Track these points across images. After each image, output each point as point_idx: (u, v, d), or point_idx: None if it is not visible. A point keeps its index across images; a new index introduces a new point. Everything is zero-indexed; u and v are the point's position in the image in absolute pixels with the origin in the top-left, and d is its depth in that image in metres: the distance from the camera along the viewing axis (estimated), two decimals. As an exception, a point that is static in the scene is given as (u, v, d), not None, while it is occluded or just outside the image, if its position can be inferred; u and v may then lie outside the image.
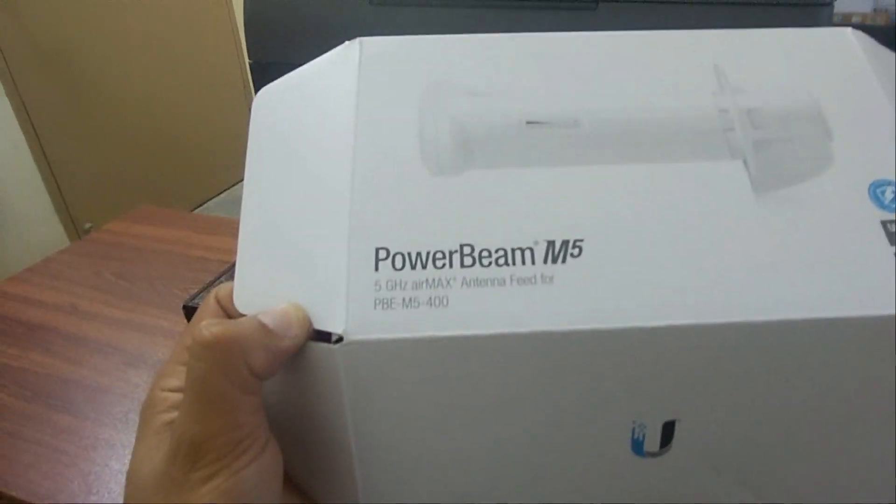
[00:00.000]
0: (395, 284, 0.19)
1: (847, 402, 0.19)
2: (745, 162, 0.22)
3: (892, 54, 0.25)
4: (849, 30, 0.25)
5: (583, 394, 0.19)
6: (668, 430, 0.20)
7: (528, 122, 0.23)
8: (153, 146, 1.79)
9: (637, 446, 0.20)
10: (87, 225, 1.59)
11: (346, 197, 0.20)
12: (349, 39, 0.50)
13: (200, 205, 1.85)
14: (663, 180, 0.21)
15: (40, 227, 1.44)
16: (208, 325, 0.16)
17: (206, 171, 1.81)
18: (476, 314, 0.18)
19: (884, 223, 0.20)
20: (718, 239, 0.20)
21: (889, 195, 0.21)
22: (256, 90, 0.50)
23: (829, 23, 0.39)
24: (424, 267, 0.19)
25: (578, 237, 0.20)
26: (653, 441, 0.20)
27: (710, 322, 0.18)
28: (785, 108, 0.23)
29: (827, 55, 0.25)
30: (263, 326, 0.17)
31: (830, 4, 0.38)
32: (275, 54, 0.51)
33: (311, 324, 0.18)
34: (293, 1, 0.48)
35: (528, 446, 0.20)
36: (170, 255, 0.70)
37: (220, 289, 0.20)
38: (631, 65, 0.25)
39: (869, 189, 0.21)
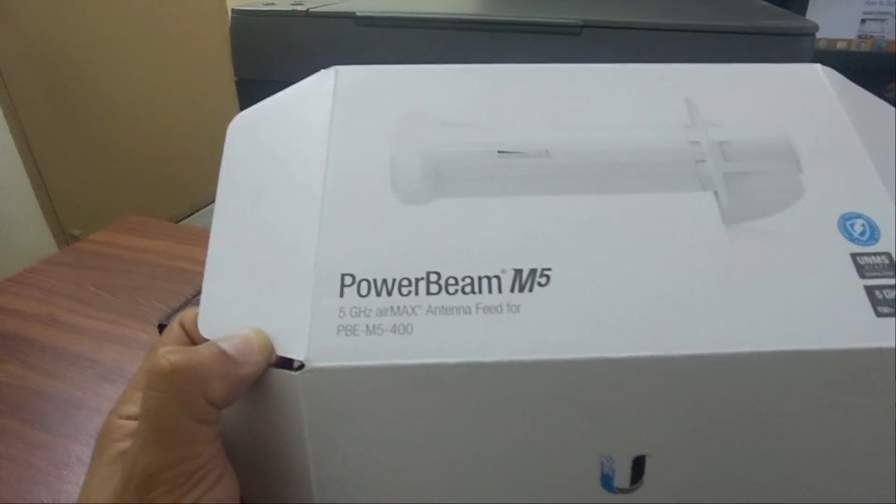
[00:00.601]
0: (360, 311, 0.18)
1: (821, 435, 0.19)
2: (715, 194, 0.22)
3: (861, 91, 0.25)
4: (818, 66, 0.26)
5: (549, 425, 0.19)
6: (639, 466, 0.19)
7: (500, 153, 0.23)
8: (144, 154, 1.79)
9: (607, 482, 0.19)
10: (76, 232, 1.58)
11: (315, 224, 0.20)
12: (335, 59, 0.50)
13: (190, 214, 1.85)
14: (633, 211, 0.21)
15: (28, 233, 1.43)
16: (166, 353, 0.16)
17: (196, 180, 1.80)
18: (440, 343, 0.18)
19: (853, 255, 0.20)
20: (688, 270, 0.20)
21: (858, 228, 0.21)
22: (242, 107, 0.50)
23: (811, 52, 0.40)
24: (390, 294, 0.19)
25: (546, 266, 0.19)
26: (623, 476, 0.19)
27: (676, 354, 0.18)
28: (756, 142, 0.23)
29: (797, 90, 0.25)
30: (223, 353, 0.17)
31: (812, 35, 0.39)
32: (261, 72, 0.51)
33: (273, 350, 0.18)
34: (279, 20, 0.49)
35: (494, 480, 0.19)
36: (153, 266, 0.69)
37: (186, 314, 0.20)
38: (603, 97, 0.24)
39: (839, 222, 0.21)
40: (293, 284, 0.19)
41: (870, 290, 0.19)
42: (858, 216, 0.21)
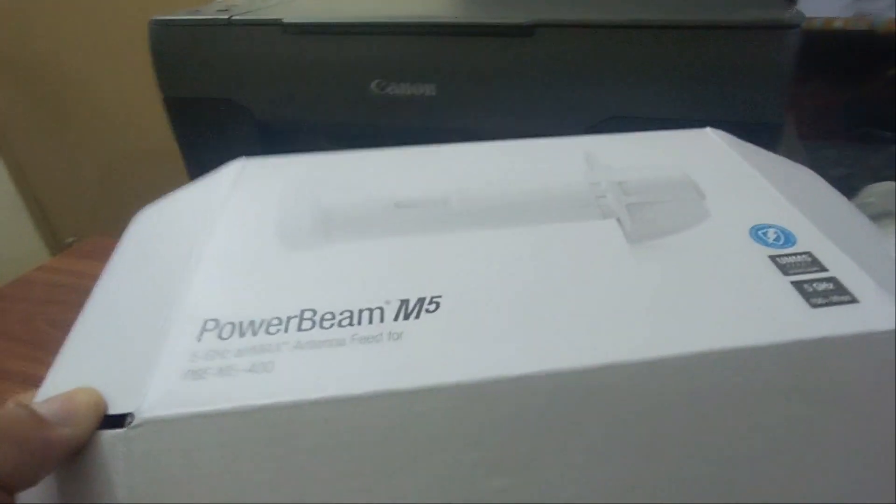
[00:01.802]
0: (215, 354, 0.16)
1: (779, 465, 0.16)
2: (618, 220, 0.20)
3: (753, 147, 0.25)
4: (708, 129, 0.27)
5: (448, 486, 0.15)
6: None
7: (397, 205, 0.22)
8: (135, 157, 1.75)
9: None
10: (70, 239, 1.57)
11: (189, 279, 0.18)
12: (263, 70, 0.45)
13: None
14: (531, 240, 0.20)
15: (19, 242, 1.41)
16: None
17: (186, 181, 1.78)
18: (304, 378, 0.15)
19: (772, 258, 0.19)
20: (593, 287, 0.18)
21: (772, 235, 0.20)
22: (173, 126, 0.44)
23: (796, 47, 0.34)
24: (255, 334, 0.16)
25: (436, 294, 0.17)
26: None
27: (592, 364, 0.15)
28: (655, 179, 0.23)
29: (691, 144, 0.26)
30: (30, 414, 0.14)
31: (797, 27, 0.33)
32: (188, 89, 0.46)
33: (104, 409, 0.15)
34: (201, 30, 0.43)
35: None
36: None
37: (25, 395, 0.17)
38: (503, 160, 0.25)
39: (750, 232, 0.20)
40: (150, 337, 0.17)
41: (797, 285, 0.18)
42: (770, 226, 0.20)
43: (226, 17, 0.42)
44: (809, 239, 0.19)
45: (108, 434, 0.14)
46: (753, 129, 0.36)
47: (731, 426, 0.16)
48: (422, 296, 0.17)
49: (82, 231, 1.56)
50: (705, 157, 0.25)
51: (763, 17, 0.34)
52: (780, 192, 0.22)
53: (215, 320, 0.17)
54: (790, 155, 0.38)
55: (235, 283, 0.18)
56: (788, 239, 0.20)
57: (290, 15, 0.41)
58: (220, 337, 0.16)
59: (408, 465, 0.15)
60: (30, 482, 0.14)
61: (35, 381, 0.49)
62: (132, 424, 0.14)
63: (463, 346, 0.16)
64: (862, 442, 0.16)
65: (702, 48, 0.34)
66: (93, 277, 0.62)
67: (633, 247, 0.19)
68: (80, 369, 0.17)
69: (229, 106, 0.45)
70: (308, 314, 0.17)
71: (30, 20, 1.46)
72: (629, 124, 0.37)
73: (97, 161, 1.64)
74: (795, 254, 0.19)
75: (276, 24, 0.41)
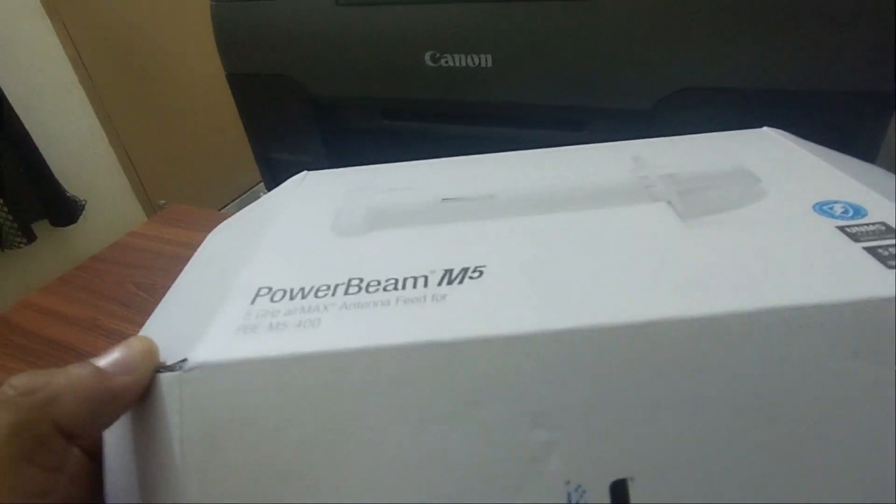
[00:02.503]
0: (266, 313, 0.17)
1: (840, 421, 0.14)
2: (668, 202, 0.20)
3: (820, 147, 0.23)
4: (766, 128, 0.25)
5: (486, 433, 0.14)
6: (620, 494, 0.14)
7: (444, 199, 0.22)
8: (220, 123, 1.84)
9: None
10: (161, 202, 1.67)
11: (249, 258, 0.20)
12: (317, 45, 0.45)
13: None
14: (578, 222, 0.19)
15: (119, 205, 1.53)
16: (14, 378, 0.14)
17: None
18: (348, 332, 0.15)
19: (840, 228, 0.17)
20: (642, 254, 0.17)
21: (839, 209, 0.18)
22: (237, 102, 0.45)
23: (890, 115, 0.29)
24: (304, 297, 0.17)
25: (480, 264, 0.17)
26: None
27: (642, 319, 0.14)
28: (707, 170, 0.22)
29: (747, 141, 0.24)
30: (94, 370, 0.15)
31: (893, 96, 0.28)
32: (249, 65, 0.46)
33: (157, 354, 0.16)
34: (258, 10, 0.43)
35: None
36: None
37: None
38: (549, 163, 0.24)
39: (814, 207, 0.18)
40: (211, 303, 0.18)
41: (871, 250, 0.16)
42: (836, 202, 0.18)
43: (280, -10, 0.42)
44: (883, 210, 0.18)
45: (165, 377, 0.15)
46: (858, 99, 0.31)
47: (794, 387, 0.14)
48: (466, 266, 0.17)
49: (172, 195, 1.66)
50: (762, 150, 0.23)
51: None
52: (845, 174, 0.20)
53: (269, 287, 0.18)
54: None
55: (289, 261, 0.19)
56: (858, 212, 0.18)
57: (342, -14, 0.40)
58: (272, 300, 0.17)
59: (449, 415, 0.15)
60: (100, 429, 0.15)
61: (122, 337, 0.52)
62: (185, 368, 0.15)
63: (507, 304, 0.15)
64: None
65: (795, 3, 0.30)
66: (175, 243, 0.66)
67: (685, 222, 0.18)
68: (154, 333, 0.18)
69: (285, 82, 0.45)
70: (355, 282, 0.17)
71: (132, 1, 1.54)
72: (703, 98, 0.33)
73: (186, 133, 1.73)
74: (867, 223, 0.17)
75: (329, -4, 0.40)
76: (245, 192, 1.90)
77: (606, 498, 0.14)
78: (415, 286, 0.17)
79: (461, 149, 0.46)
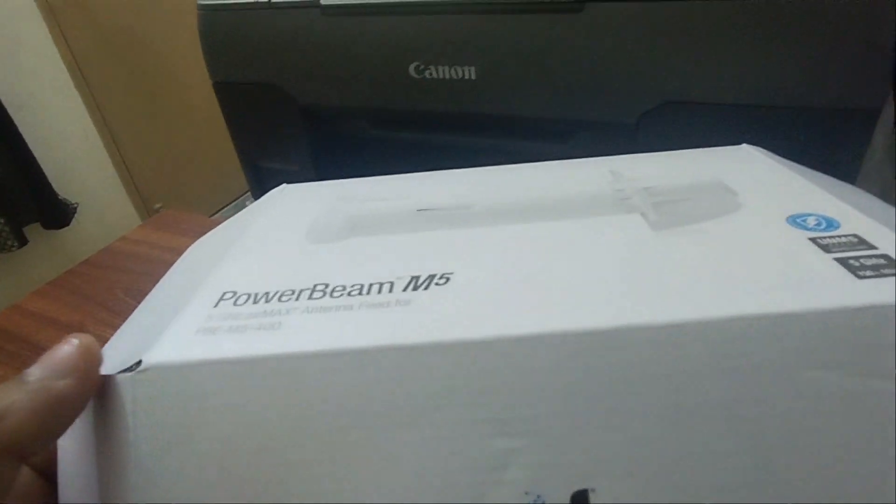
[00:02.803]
0: (228, 316, 0.16)
1: (817, 435, 0.14)
2: (642, 214, 0.20)
3: (797, 165, 0.23)
4: (745, 145, 0.25)
5: (445, 438, 0.14)
6: None
7: (419, 210, 0.22)
8: (216, 128, 1.83)
9: None
10: (157, 205, 1.67)
11: (218, 265, 0.19)
12: (303, 52, 0.44)
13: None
14: (551, 231, 0.19)
15: (114, 209, 1.53)
16: None
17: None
18: (308, 335, 0.15)
19: (812, 239, 0.17)
20: (611, 261, 0.17)
21: (811, 222, 0.18)
22: (223, 110, 0.44)
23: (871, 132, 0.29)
24: (268, 301, 0.17)
25: (448, 271, 0.17)
26: None
27: (607, 326, 0.14)
28: (683, 184, 0.22)
29: (724, 157, 0.24)
30: (33, 381, 0.14)
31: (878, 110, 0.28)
32: (235, 73, 0.46)
33: (96, 352, 0.15)
34: (243, 14, 0.43)
35: None
36: None
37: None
38: (527, 176, 0.24)
39: (787, 220, 0.18)
40: (176, 307, 0.17)
41: (842, 261, 0.16)
42: (809, 214, 0.18)
43: (266, -1, 0.42)
44: (855, 223, 0.18)
45: (119, 378, 0.15)
46: (839, 116, 0.31)
47: (760, 396, 0.14)
48: (433, 272, 0.17)
49: (166, 199, 1.65)
50: (739, 166, 0.23)
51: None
52: (820, 188, 0.20)
53: (233, 291, 0.18)
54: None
55: (257, 267, 0.19)
56: (831, 224, 0.18)
57: (328, -5, 0.40)
58: (235, 304, 0.17)
59: (409, 420, 0.15)
60: (51, 439, 0.15)
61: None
62: (139, 369, 0.15)
63: (471, 309, 0.15)
64: None
65: (779, 20, 0.30)
66: (166, 249, 0.66)
67: (657, 232, 0.18)
68: (121, 337, 0.18)
69: (272, 90, 0.45)
70: (320, 287, 0.17)
71: (128, 4, 1.54)
72: (687, 111, 0.33)
73: (181, 136, 1.73)
74: (839, 236, 0.17)
75: (314, 6, 0.40)
76: (239, 197, 1.90)
77: None
78: (380, 291, 0.17)
79: (447, 158, 0.46)
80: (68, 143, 1.38)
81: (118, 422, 0.15)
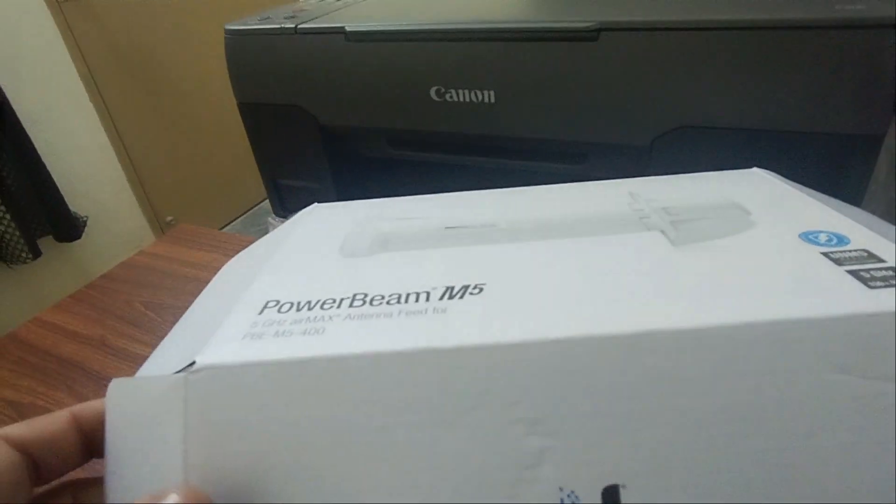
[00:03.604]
0: (273, 322, 0.17)
1: (835, 435, 0.15)
2: (662, 231, 0.21)
3: (797, 185, 0.24)
4: (755, 168, 0.26)
5: (480, 437, 0.15)
6: (612, 500, 0.15)
7: (447, 227, 0.23)
8: (227, 142, 1.85)
9: None
10: (169, 218, 1.69)
11: (257, 278, 0.20)
12: (328, 77, 0.46)
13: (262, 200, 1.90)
14: (576, 247, 0.20)
15: (127, 221, 1.54)
16: None
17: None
18: (351, 339, 0.16)
19: (825, 254, 0.18)
20: (635, 273, 0.18)
21: (823, 238, 0.19)
22: (247, 129, 0.46)
23: (876, 157, 0.30)
24: (311, 309, 0.18)
25: (481, 282, 0.18)
26: None
27: (634, 330, 0.15)
28: (700, 204, 0.23)
29: (737, 180, 0.25)
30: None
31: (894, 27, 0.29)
32: (260, 95, 0.47)
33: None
34: (269, 39, 0.44)
35: None
36: (199, 283, 0.68)
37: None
38: (549, 197, 0.25)
39: (800, 235, 0.19)
40: (218, 317, 0.18)
41: (854, 273, 0.17)
42: (821, 231, 0.19)
43: (292, 25, 0.43)
44: (864, 239, 0.19)
45: (172, 378, 0.16)
46: (847, 140, 0.32)
47: (781, 398, 0.15)
48: (466, 284, 0.18)
49: (178, 211, 1.67)
50: (751, 188, 0.24)
51: (867, 13, 0.30)
52: (830, 207, 0.21)
53: (276, 300, 0.18)
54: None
55: (296, 278, 0.20)
56: (841, 240, 0.19)
57: (353, 23, 0.41)
58: (279, 311, 0.18)
59: (446, 419, 0.15)
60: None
61: (129, 356, 0.53)
62: (192, 370, 0.16)
63: (505, 315, 0.16)
64: None
65: (788, 51, 0.31)
66: (184, 263, 0.67)
67: (676, 248, 0.19)
68: (165, 348, 0.19)
69: (296, 112, 0.47)
70: (360, 296, 0.18)
71: (143, 21, 1.57)
72: (699, 135, 0.34)
73: (193, 149, 1.75)
74: (850, 251, 0.18)
75: (339, 33, 0.42)
76: (250, 209, 1.91)
77: (598, 502, 0.14)
78: (417, 300, 0.17)
79: (465, 178, 0.47)
80: (82, 156, 1.41)
81: (169, 421, 0.16)
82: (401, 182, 0.53)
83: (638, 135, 0.36)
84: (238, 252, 0.82)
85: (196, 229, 0.79)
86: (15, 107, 1.18)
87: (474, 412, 0.15)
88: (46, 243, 1.28)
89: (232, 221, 1.87)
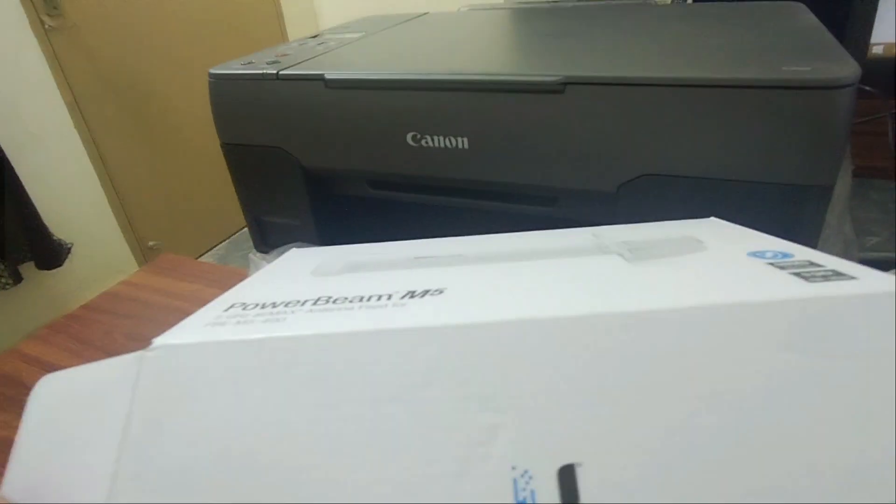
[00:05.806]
0: (237, 315, 0.18)
1: (791, 416, 0.15)
2: (619, 255, 0.22)
3: (753, 230, 0.26)
4: (713, 218, 0.29)
5: (429, 413, 0.15)
6: (569, 482, 0.14)
7: (416, 258, 0.25)
8: (210, 168, 1.86)
9: None
10: (151, 243, 1.68)
11: (226, 294, 0.21)
12: (308, 122, 0.48)
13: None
14: (537, 265, 0.22)
15: (109, 248, 1.54)
16: None
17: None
18: (307, 324, 0.17)
19: (770, 263, 0.19)
20: (589, 280, 0.19)
21: (769, 255, 0.20)
22: (230, 169, 0.48)
23: (849, 107, 0.32)
24: (275, 307, 0.18)
25: (443, 287, 0.19)
26: (549, 499, 0.14)
27: (581, 313, 0.16)
28: (658, 239, 0.25)
29: (694, 226, 0.27)
30: None
31: (850, 86, 0.31)
32: (244, 136, 0.49)
33: None
34: (252, 84, 0.46)
35: (360, 488, 0.15)
36: (180, 313, 0.67)
37: None
38: (518, 239, 0.27)
39: (747, 254, 0.21)
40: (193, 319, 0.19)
41: (796, 274, 0.18)
42: (767, 250, 0.21)
43: (273, 71, 0.45)
44: (807, 254, 0.20)
45: (128, 356, 0.16)
46: (799, 190, 0.34)
47: (735, 374, 0.15)
48: (428, 288, 0.19)
49: (163, 236, 1.67)
50: (706, 229, 0.26)
51: (811, 75, 0.32)
52: (779, 239, 0.23)
53: (243, 303, 0.19)
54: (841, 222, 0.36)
55: (265, 289, 0.21)
56: (786, 255, 0.20)
57: (332, 70, 0.43)
58: (244, 309, 0.19)
59: (397, 396, 0.15)
60: None
61: None
62: (149, 349, 0.16)
63: (461, 306, 0.17)
64: (863, 398, 0.15)
65: (740, 107, 0.33)
66: (166, 293, 0.67)
67: (631, 264, 0.21)
68: None
69: (278, 154, 0.48)
70: (324, 298, 0.19)
71: (129, 49, 1.58)
72: (662, 183, 0.36)
73: (176, 177, 1.76)
74: (794, 262, 0.20)
75: (319, 80, 0.43)
76: (234, 234, 1.92)
77: (554, 483, 0.14)
78: (379, 300, 0.18)
79: (442, 217, 0.49)
80: (66, 182, 1.40)
81: (115, 397, 0.16)
82: (381, 220, 0.54)
83: (604, 181, 0.38)
84: (220, 283, 0.83)
85: (178, 259, 0.79)
86: (-2, 133, 1.18)
87: (425, 389, 0.15)
88: (26, 269, 1.28)
89: (215, 246, 1.87)
